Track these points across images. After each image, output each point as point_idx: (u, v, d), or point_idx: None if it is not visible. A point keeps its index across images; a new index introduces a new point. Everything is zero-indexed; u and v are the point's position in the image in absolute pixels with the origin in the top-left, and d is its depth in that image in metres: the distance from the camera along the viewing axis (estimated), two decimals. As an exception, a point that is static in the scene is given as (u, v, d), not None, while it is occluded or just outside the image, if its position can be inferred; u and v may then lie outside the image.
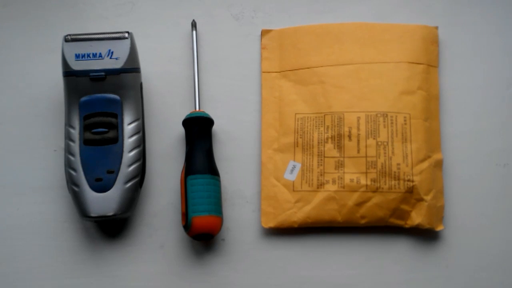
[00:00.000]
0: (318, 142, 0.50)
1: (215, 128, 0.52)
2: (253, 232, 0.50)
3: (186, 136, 0.50)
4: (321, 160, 0.49)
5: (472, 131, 0.52)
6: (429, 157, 0.49)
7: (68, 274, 0.49)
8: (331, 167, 0.49)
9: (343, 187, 0.48)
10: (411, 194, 0.48)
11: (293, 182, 0.50)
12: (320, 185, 0.49)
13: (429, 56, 0.52)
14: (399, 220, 0.49)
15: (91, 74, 0.45)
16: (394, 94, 0.50)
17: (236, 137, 0.52)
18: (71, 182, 0.45)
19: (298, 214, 0.49)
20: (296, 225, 0.49)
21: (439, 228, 0.49)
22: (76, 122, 0.46)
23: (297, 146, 0.50)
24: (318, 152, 0.50)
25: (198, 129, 0.49)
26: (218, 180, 0.49)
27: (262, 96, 0.52)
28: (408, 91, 0.50)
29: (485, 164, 0.51)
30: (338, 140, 0.49)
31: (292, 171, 0.50)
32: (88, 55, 0.45)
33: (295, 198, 0.49)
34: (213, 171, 0.48)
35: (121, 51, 0.46)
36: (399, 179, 0.48)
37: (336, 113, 0.50)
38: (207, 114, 0.50)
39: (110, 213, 0.44)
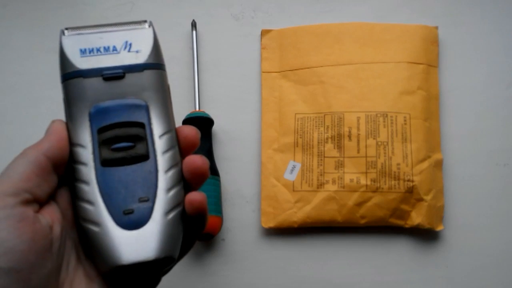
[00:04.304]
0: (318, 142, 0.50)
1: (215, 128, 0.52)
2: (253, 232, 0.50)
3: (186, 136, 0.50)
4: (321, 160, 0.49)
5: (472, 131, 0.52)
6: (429, 157, 0.49)
7: (68, 274, 0.49)
8: (331, 167, 0.49)
9: (343, 187, 0.48)
10: (411, 194, 0.48)
11: (293, 182, 0.50)
12: (320, 185, 0.49)
13: (429, 56, 0.52)
14: (399, 220, 0.49)
15: (104, 72, 0.33)
16: (394, 94, 0.50)
17: (236, 137, 0.52)
18: (87, 220, 0.31)
19: (298, 214, 0.49)
20: (296, 225, 0.49)
21: (439, 228, 0.49)
22: (86, 139, 0.33)
23: (297, 146, 0.50)
24: (318, 152, 0.50)
25: (198, 129, 0.49)
26: (218, 180, 0.49)
27: (262, 96, 0.52)
28: (408, 91, 0.50)
29: (485, 164, 0.51)
30: (338, 140, 0.49)
31: (292, 171, 0.50)
32: (98, 50, 0.34)
33: (295, 198, 0.49)
34: (213, 171, 0.48)
35: (142, 42, 0.35)
36: (399, 179, 0.48)
37: (336, 113, 0.50)
38: (207, 114, 0.50)
39: (151, 257, 0.31)
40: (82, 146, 0.32)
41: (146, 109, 0.34)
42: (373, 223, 0.49)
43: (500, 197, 0.50)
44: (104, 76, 0.33)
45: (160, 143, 0.33)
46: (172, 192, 0.32)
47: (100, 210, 0.31)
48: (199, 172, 0.32)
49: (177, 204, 0.32)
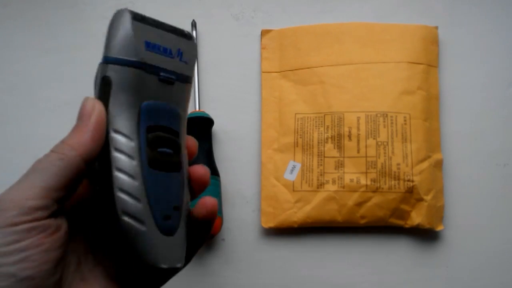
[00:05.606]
0: (318, 142, 0.50)
1: (215, 128, 0.52)
2: (253, 232, 0.50)
3: (186, 136, 0.50)
4: (321, 160, 0.49)
5: (472, 131, 0.52)
6: (429, 157, 0.49)
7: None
8: (331, 167, 0.49)
9: (343, 187, 0.48)
10: (411, 194, 0.48)
11: (293, 182, 0.50)
12: (320, 185, 0.49)
13: (429, 56, 0.52)
14: (399, 220, 0.49)
15: (161, 74, 0.33)
16: (394, 94, 0.50)
17: (236, 137, 0.52)
18: (130, 215, 0.30)
19: (298, 214, 0.49)
20: (296, 225, 0.49)
21: (439, 228, 0.49)
22: (133, 131, 0.32)
23: (297, 146, 0.50)
24: (318, 152, 0.50)
25: (198, 129, 0.49)
26: (218, 180, 0.49)
27: (262, 96, 0.52)
28: (408, 91, 0.50)
29: (485, 164, 0.51)
30: (338, 140, 0.49)
31: (292, 171, 0.50)
32: (159, 48, 0.33)
33: (295, 198, 0.49)
34: (213, 171, 0.48)
35: (189, 54, 0.34)
36: (399, 179, 0.48)
37: (336, 113, 0.50)
38: (207, 114, 0.50)
39: (180, 264, 0.32)
40: (127, 136, 0.31)
41: (179, 119, 0.34)
42: (373, 223, 0.49)
43: (500, 197, 0.50)
44: (160, 77, 0.33)
45: (185, 155, 0.34)
46: (188, 203, 0.33)
47: (146, 209, 0.31)
48: (202, 181, 0.33)
49: (188, 214, 0.33)
